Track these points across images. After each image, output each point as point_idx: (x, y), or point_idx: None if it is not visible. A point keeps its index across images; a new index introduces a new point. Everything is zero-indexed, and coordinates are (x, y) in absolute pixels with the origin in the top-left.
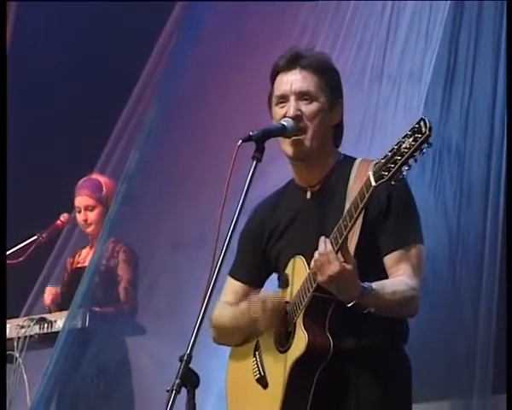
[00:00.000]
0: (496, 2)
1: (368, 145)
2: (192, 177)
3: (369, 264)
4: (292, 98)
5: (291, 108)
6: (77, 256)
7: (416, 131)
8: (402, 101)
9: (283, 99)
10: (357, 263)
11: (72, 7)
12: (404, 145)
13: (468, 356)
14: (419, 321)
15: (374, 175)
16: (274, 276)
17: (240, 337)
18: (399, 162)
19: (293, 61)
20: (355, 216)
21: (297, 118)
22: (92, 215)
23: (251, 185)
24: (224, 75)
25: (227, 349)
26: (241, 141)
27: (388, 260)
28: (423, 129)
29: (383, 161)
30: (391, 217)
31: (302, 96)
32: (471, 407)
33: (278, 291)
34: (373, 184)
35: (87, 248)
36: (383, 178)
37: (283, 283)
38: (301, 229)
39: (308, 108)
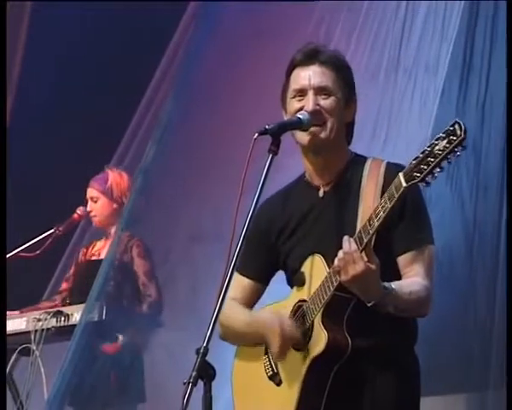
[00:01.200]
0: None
1: (383, 138)
2: (208, 170)
3: (384, 264)
4: (310, 93)
5: (310, 102)
6: (90, 248)
7: (450, 133)
8: (418, 94)
9: (301, 93)
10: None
11: (88, 6)
12: (437, 147)
13: (483, 349)
14: (436, 314)
15: (404, 176)
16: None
17: (251, 343)
18: (432, 164)
19: (312, 56)
20: (383, 216)
21: (316, 112)
22: (96, 206)
23: (267, 179)
24: (239, 70)
25: None
26: (257, 134)
27: (402, 260)
28: (458, 132)
29: (414, 162)
30: (404, 218)
31: (321, 90)
32: (486, 400)
33: (292, 292)
34: (404, 184)
35: (102, 241)
36: (415, 179)
37: (299, 281)
38: (314, 227)
39: (326, 103)
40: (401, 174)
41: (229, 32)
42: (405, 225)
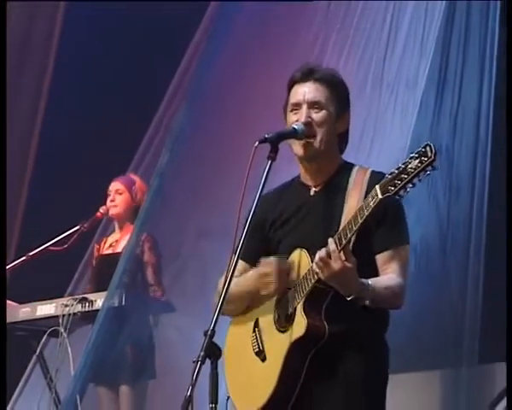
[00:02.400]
0: (481, 19)
1: (369, 145)
2: (216, 174)
3: (363, 261)
4: (304, 106)
5: (303, 114)
6: (102, 243)
7: (421, 154)
8: (399, 106)
9: (297, 107)
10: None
11: (106, 12)
12: (410, 166)
13: (457, 331)
14: (414, 300)
15: (380, 189)
16: None
17: (242, 304)
18: (405, 181)
19: (308, 74)
20: (360, 222)
21: (307, 124)
22: (120, 198)
23: (266, 181)
24: (246, 84)
25: None
26: (257, 143)
27: (380, 258)
28: (429, 153)
29: (390, 177)
30: (385, 221)
31: (313, 105)
32: (459, 375)
33: None
34: (379, 196)
35: (113, 236)
36: (389, 192)
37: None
38: (303, 220)
39: (318, 116)
40: (378, 186)
41: (238, 47)
42: (385, 227)
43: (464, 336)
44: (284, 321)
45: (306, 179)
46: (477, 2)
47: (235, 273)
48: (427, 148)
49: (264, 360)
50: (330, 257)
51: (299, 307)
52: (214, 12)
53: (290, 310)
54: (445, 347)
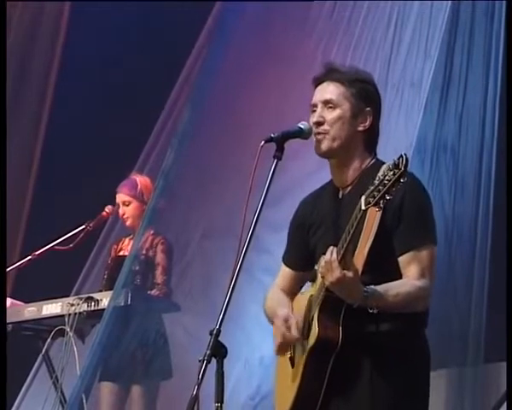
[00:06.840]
0: (486, 20)
1: None
2: (221, 174)
3: (386, 264)
4: (319, 106)
5: (316, 114)
6: (120, 243)
7: (395, 165)
8: (404, 106)
9: (314, 107)
10: (373, 264)
11: (113, 14)
12: (387, 177)
13: (462, 329)
14: None
15: (364, 199)
16: None
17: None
18: (382, 192)
19: (326, 75)
20: (351, 232)
21: (318, 123)
22: (128, 210)
23: (272, 181)
24: (249, 83)
25: (251, 326)
26: (263, 142)
27: (401, 261)
28: (400, 165)
29: (371, 188)
30: (403, 220)
31: (326, 104)
32: (464, 375)
33: (309, 285)
34: (362, 207)
35: (129, 237)
36: (370, 203)
37: (313, 277)
38: (332, 227)
39: (331, 114)
40: (363, 197)
41: (242, 47)
42: (403, 227)
43: (470, 335)
44: (307, 329)
45: (336, 181)
46: (482, 2)
47: (281, 279)
48: (400, 159)
49: (293, 366)
50: (330, 266)
51: (315, 316)
52: (218, 13)
53: (310, 318)
54: (451, 346)
